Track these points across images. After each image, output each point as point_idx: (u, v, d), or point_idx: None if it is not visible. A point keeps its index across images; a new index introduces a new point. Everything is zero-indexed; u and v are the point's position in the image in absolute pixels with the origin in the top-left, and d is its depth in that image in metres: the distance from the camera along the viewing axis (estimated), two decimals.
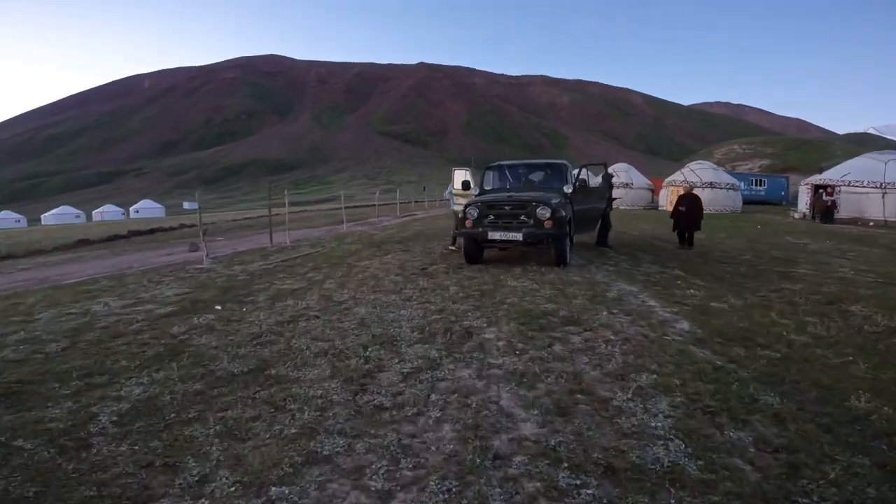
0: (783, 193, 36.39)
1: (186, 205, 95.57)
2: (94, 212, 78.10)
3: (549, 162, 8.75)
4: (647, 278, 6.74)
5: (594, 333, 4.19)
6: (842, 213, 19.14)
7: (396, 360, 3.58)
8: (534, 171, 8.66)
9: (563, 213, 6.98)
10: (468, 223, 7.30)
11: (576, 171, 8.29)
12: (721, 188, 25.56)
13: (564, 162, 8.61)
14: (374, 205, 23.30)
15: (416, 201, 39.91)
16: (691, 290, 6.01)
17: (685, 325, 4.54)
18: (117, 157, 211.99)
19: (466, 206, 7.41)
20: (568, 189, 7.63)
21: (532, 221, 7.01)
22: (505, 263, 7.80)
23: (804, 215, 21.89)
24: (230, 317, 4.98)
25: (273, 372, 3.45)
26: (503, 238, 7.09)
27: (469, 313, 4.78)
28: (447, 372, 3.38)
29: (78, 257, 12.75)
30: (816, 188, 20.99)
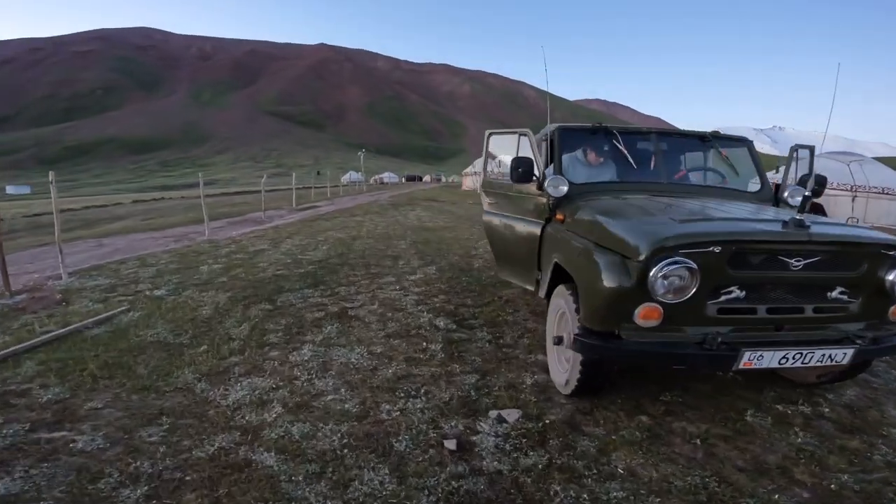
0: None
1: (10, 189, 77.19)
2: None
3: (715, 134, 3.45)
4: None
5: None
6: None
7: None
8: (677, 152, 3.53)
9: None
10: (646, 315, 2.01)
11: (789, 158, 3.27)
12: None
13: (747, 138, 3.58)
14: (259, 191, 16.48)
15: (316, 187, 33.04)
16: None
17: None
18: None
19: (654, 252, 1.94)
20: (805, 193, 2.33)
21: (863, 306, 2.20)
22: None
23: None
24: None
25: None
26: (793, 364, 2.05)
27: None
28: None
29: None
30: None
